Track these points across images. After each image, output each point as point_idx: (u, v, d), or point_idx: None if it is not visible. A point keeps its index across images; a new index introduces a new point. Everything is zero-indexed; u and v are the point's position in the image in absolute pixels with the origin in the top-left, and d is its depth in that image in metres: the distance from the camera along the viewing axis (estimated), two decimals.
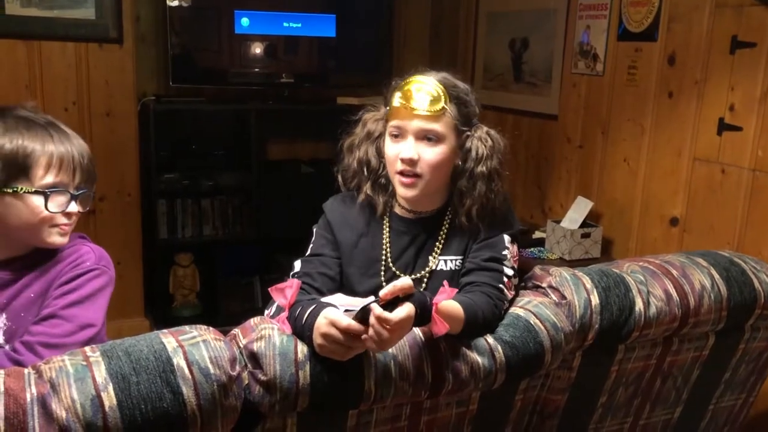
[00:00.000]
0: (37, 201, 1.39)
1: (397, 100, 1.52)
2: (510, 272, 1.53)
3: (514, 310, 1.48)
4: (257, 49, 3.60)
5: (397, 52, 4.06)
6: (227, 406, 1.15)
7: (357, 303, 1.23)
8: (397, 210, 1.64)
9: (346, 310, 1.21)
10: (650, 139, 2.76)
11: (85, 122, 3.18)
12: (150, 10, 3.45)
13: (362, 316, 1.18)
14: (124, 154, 3.30)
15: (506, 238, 1.56)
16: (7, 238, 1.44)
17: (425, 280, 1.59)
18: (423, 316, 1.26)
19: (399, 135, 1.54)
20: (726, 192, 2.44)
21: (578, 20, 3.09)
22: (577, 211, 2.97)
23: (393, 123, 1.54)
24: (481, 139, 1.57)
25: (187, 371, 1.12)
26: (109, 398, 1.06)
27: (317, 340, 1.21)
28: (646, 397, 1.69)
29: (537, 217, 3.45)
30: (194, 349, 1.16)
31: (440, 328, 1.26)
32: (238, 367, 1.19)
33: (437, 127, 1.51)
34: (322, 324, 1.21)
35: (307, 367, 1.22)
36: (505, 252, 1.54)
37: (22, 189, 1.38)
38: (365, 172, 1.62)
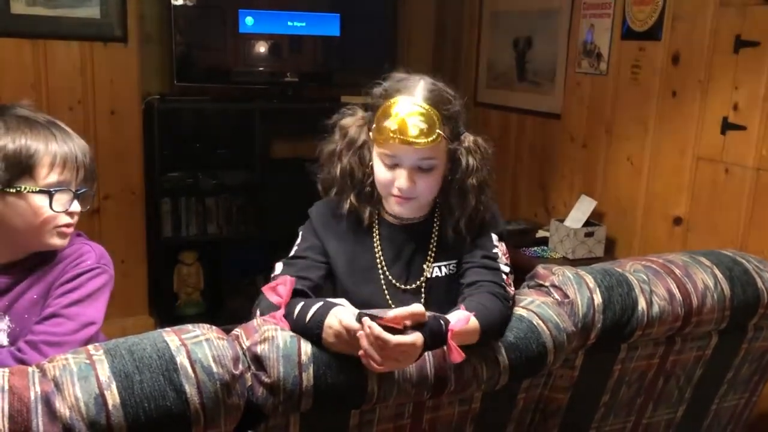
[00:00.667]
0: (41, 201, 1.40)
1: (388, 128, 1.42)
2: (506, 269, 1.52)
3: (517, 310, 1.47)
4: (261, 48, 3.61)
5: (402, 51, 4.06)
6: (230, 405, 1.16)
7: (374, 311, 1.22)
8: (385, 216, 1.60)
9: (366, 315, 1.20)
10: (654, 138, 2.76)
11: (89, 121, 3.19)
12: (154, 9, 3.46)
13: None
14: (129, 153, 3.31)
15: (493, 236, 1.55)
16: (8, 242, 1.44)
17: (423, 289, 1.57)
18: (436, 342, 1.24)
19: (392, 165, 1.47)
20: (730, 191, 2.44)
21: (582, 19, 3.09)
22: (581, 210, 2.97)
23: (385, 151, 1.46)
24: (470, 151, 1.52)
25: (190, 370, 1.13)
26: (113, 396, 1.07)
27: (329, 338, 1.22)
28: (649, 397, 1.69)
29: (540, 215, 3.45)
30: (197, 347, 1.16)
31: (456, 357, 1.24)
32: (241, 366, 1.20)
33: (432, 155, 1.45)
34: (333, 324, 1.21)
35: (311, 370, 1.22)
36: (495, 250, 1.54)
37: (26, 188, 1.38)
38: (349, 183, 1.55)
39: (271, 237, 3.62)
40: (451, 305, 1.41)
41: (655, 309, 1.54)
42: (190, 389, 1.12)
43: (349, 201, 1.56)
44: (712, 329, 1.66)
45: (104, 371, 1.09)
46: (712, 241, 2.49)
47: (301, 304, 1.31)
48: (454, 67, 4.05)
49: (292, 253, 1.57)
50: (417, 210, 1.56)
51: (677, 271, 1.64)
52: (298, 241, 1.59)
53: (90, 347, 1.16)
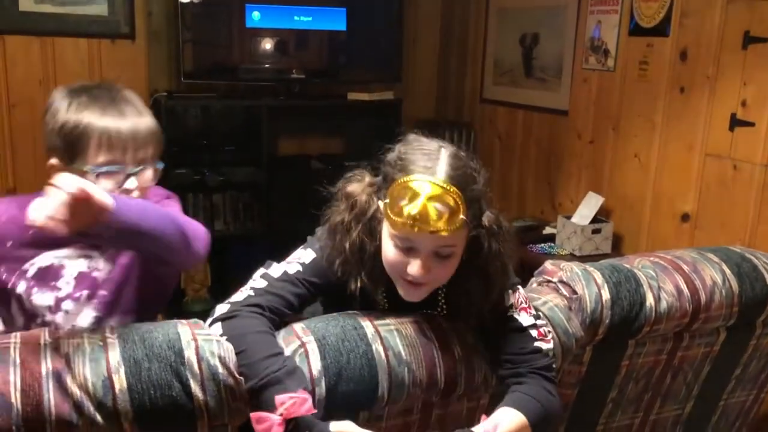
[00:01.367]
0: (92, 179, 1.35)
1: (406, 212, 1.22)
2: (528, 320, 1.38)
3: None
4: (268, 44, 3.62)
5: (408, 47, 4.06)
6: (234, 409, 1.17)
7: None
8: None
9: None
10: (661, 134, 2.75)
11: None
12: (162, 6, 3.47)
13: None
14: None
15: (509, 296, 1.40)
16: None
17: None
18: None
19: (406, 248, 1.28)
20: (738, 188, 2.43)
21: (589, 15, 3.08)
22: (588, 206, 2.96)
23: (400, 235, 1.26)
24: (493, 233, 1.32)
25: (196, 366, 1.14)
26: (120, 381, 1.09)
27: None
28: (657, 393, 1.68)
29: (547, 212, 3.45)
30: (207, 345, 1.17)
31: None
32: None
33: (453, 243, 1.27)
34: None
35: (323, 384, 1.22)
36: (509, 304, 1.39)
37: (79, 167, 1.36)
38: (361, 261, 1.35)
39: (278, 233, 3.65)
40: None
41: (663, 305, 1.54)
42: (194, 385, 1.13)
43: (359, 280, 1.37)
44: (720, 325, 1.65)
45: (115, 355, 1.11)
46: (720, 237, 2.48)
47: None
48: (461, 63, 4.05)
49: (282, 270, 1.42)
50: (427, 293, 1.37)
51: (685, 267, 1.63)
52: (299, 260, 1.40)
53: (106, 329, 1.17)
